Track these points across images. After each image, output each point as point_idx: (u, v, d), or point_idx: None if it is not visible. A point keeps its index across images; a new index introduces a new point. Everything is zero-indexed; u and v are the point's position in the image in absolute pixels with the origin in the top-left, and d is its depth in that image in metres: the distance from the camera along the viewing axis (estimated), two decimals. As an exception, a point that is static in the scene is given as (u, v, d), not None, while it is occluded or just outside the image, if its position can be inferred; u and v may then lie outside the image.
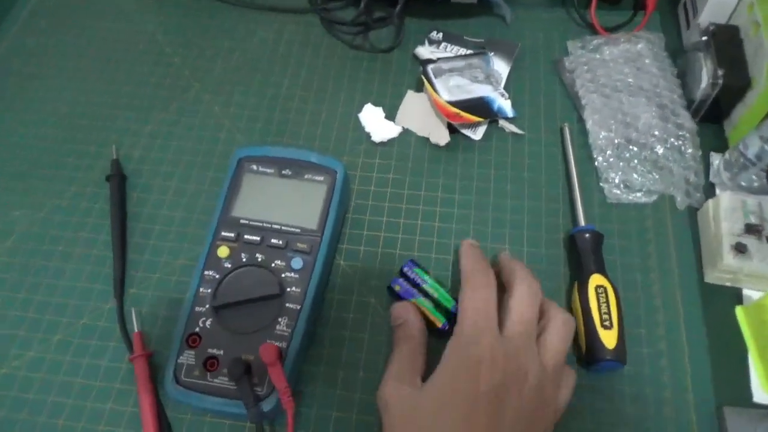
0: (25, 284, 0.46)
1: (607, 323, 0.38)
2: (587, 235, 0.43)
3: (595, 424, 0.39)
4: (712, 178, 0.49)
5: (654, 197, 0.48)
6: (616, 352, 0.38)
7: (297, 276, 0.40)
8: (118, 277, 0.45)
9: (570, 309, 0.43)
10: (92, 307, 0.45)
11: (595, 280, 0.40)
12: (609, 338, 0.38)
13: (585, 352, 0.39)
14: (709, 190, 0.48)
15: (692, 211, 0.47)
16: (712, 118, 0.51)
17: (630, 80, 0.53)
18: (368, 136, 0.52)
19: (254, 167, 0.45)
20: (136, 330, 0.43)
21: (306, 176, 0.44)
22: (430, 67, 0.53)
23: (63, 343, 0.43)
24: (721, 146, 0.51)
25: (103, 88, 0.57)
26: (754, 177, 0.45)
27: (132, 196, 0.50)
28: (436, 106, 0.51)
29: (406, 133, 0.53)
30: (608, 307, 0.39)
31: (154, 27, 0.62)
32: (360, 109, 0.54)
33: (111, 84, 0.58)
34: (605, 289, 0.40)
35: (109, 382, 0.42)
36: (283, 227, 0.42)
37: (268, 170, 0.44)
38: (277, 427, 0.40)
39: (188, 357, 0.38)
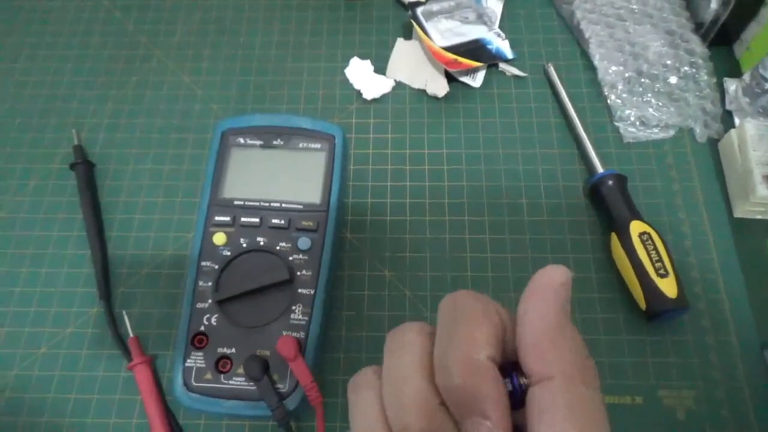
0: (-5, 296, 0.41)
1: (662, 271, 0.35)
2: (611, 181, 0.40)
3: (637, 379, 0.37)
4: (728, 106, 0.46)
5: (672, 132, 0.45)
6: (680, 300, 0.35)
7: (306, 257, 0.36)
8: (101, 277, 0.41)
9: (610, 262, 0.40)
10: (76, 313, 0.40)
11: (636, 227, 0.37)
12: (669, 287, 0.35)
13: (646, 305, 0.36)
14: (727, 119, 0.46)
15: (712, 143, 0.45)
16: (722, 41, 0.48)
17: (633, 6, 0.49)
18: (359, 93, 0.47)
19: (241, 140, 0.40)
20: (131, 335, 0.38)
21: (301, 145, 0.39)
22: (419, 10, 0.48)
23: (49, 357, 0.39)
24: (734, 71, 0.48)
25: (52, 67, 0.50)
26: (779, 101, 0.42)
27: (102, 185, 0.45)
28: (431, 54, 0.46)
29: (399, 86, 0.48)
30: (658, 253, 0.36)
31: (99, -9, 0.55)
32: (345, 65, 0.48)
33: (60, 62, 0.51)
34: (650, 235, 0.37)
35: (108, 394, 0.38)
36: (283, 205, 0.38)
37: (257, 142, 0.39)
38: (302, 422, 0.37)
39: (197, 359, 0.34)
